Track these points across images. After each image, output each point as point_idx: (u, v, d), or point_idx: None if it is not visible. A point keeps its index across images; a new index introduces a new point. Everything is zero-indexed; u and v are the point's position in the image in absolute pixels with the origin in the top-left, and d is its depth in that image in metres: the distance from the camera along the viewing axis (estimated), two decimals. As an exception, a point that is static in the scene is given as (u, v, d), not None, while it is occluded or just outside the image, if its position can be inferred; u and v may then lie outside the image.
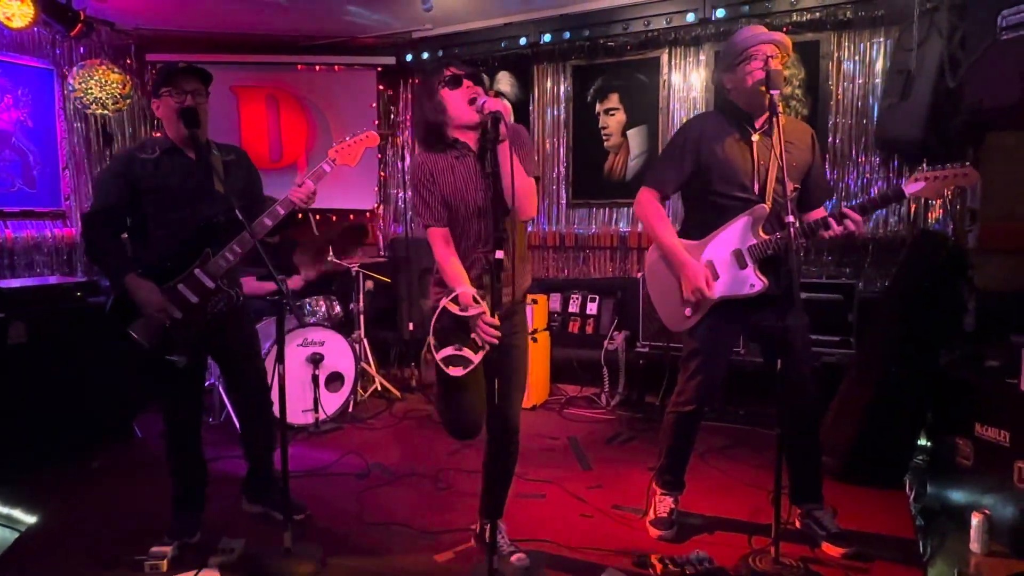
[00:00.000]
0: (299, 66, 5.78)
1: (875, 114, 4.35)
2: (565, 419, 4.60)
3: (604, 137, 5.27)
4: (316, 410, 4.30)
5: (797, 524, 2.79)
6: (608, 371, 4.86)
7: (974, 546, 2.57)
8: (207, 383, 4.36)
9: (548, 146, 5.48)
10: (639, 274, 4.76)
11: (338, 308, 4.82)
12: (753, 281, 2.61)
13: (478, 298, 2.23)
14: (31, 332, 3.62)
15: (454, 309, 2.23)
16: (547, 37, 5.14)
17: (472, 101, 2.24)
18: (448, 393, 2.45)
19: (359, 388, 4.85)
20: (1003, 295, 3.34)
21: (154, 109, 2.71)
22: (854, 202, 3.15)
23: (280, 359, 2.56)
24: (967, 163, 2.45)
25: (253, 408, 2.98)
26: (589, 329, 5.16)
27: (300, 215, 2.95)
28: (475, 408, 2.42)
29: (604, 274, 5.35)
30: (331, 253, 4.84)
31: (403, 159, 5.99)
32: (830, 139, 4.51)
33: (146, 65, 5.57)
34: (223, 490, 3.09)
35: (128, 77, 4.99)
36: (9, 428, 3.51)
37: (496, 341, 2.21)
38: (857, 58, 4.43)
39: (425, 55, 5.57)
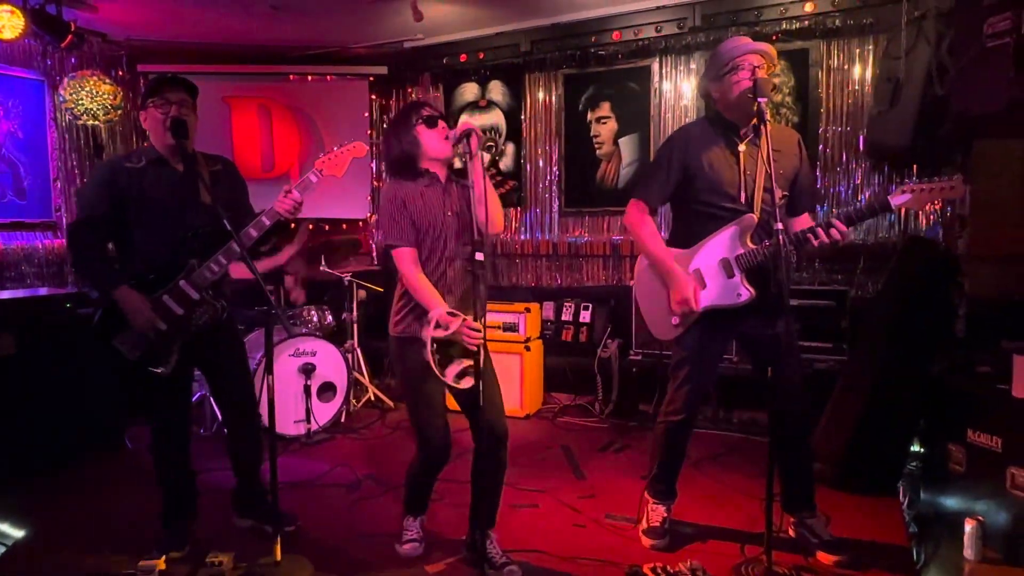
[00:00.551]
0: (291, 76, 5.78)
1: (865, 122, 4.37)
2: (558, 428, 4.59)
3: (596, 145, 5.29)
4: (308, 420, 4.27)
5: (791, 532, 2.79)
6: (601, 379, 4.84)
7: (968, 553, 2.56)
8: (198, 395, 4.33)
9: (540, 155, 5.49)
10: (632, 282, 4.76)
11: (330, 318, 4.81)
12: (741, 291, 2.61)
13: (453, 312, 2.36)
14: (20, 344, 3.60)
15: (440, 334, 2.35)
16: (539, 46, 5.18)
17: (447, 137, 2.48)
18: (419, 410, 2.56)
19: (352, 398, 4.83)
20: (994, 301, 3.35)
21: (141, 121, 2.71)
22: (841, 211, 3.16)
23: (269, 369, 2.55)
24: (955, 175, 2.44)
25: (240, 423, 2.96)
26: (582, 337, 5.14)
27: (293, 224, 2.95)
28: (446, 425, 2.58)
29: (597, 282, 5.35)
30: (323, 263, 4.82)
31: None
32: (820, 147, 4.52)
33: (138, 76, 5.56)
34: (213, 502, 3.06)
35: (119, 88, 4.98)
36: (-2, 440, 3.48)
37: (481, 341, 2.33)
38: (846, 66, 4.46)
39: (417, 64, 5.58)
